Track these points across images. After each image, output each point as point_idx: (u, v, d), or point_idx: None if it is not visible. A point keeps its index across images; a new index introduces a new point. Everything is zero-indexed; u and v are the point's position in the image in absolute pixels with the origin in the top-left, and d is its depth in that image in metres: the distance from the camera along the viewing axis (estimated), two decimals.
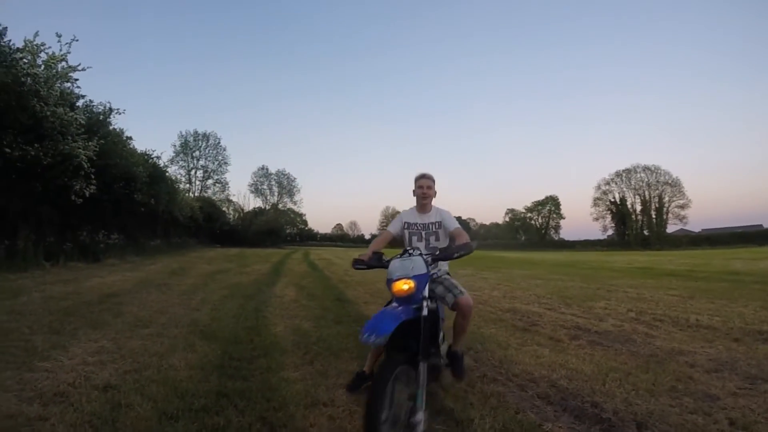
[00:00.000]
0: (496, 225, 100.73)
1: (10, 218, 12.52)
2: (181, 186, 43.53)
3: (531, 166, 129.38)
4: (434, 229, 3.68)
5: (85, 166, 13.56)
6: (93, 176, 14.22)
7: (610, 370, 3.90)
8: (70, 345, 4.54)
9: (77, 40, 13.96)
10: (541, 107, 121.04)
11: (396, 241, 3.79)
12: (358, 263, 3.21)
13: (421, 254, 2.90)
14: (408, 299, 2.67)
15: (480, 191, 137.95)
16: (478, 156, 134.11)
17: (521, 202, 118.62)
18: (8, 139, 11.48)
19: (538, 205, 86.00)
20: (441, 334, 3.18)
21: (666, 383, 3.57)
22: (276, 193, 71.96)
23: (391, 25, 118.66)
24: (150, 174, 21.14)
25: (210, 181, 60.98)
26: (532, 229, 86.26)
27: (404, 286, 2.65)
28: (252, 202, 68.96)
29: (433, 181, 3.76)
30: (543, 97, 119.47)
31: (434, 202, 3.80)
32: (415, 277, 2.68)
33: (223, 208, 57.69)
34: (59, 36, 13.76)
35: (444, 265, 3.60)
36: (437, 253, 3.03)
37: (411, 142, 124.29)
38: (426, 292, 2.70)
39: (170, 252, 24.68)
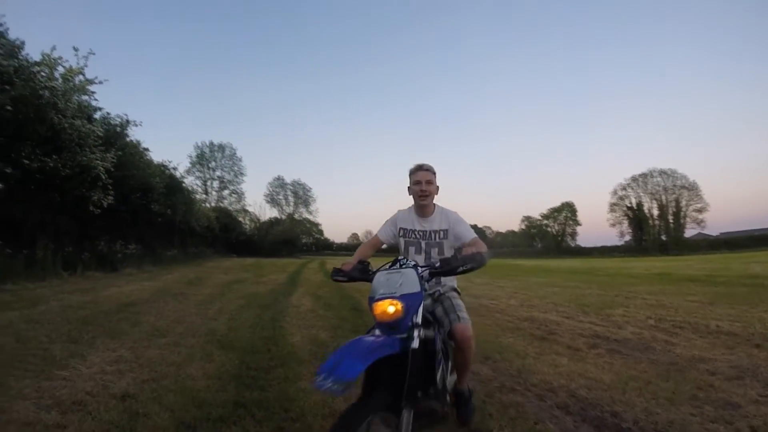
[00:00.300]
0: (512, 233, 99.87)
1: (29, 228, 12.75)
2: (198, 196, 44.06)
3: (546, 172, 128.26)
4: (438, 239, 2.93)
5: (103, 177, 13.80)
6: (110, 187, 14.48)
7: (629, 379, 3.85)
8: (88, 354, 4.58)
9: (94, 54, 14.28)
10: (556, 112, 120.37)
11: (391, 249, 3.14)
12: (337, 274, 2.62)
13: (415, 266, 2.29)
14: (394, 326, 2.06)
15: (495, 199, 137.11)
16: (493, 162, 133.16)
17: (537, 209, 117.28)
18: (27, 151, 11.72)
19: (554, 212, 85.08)
20: (443, 368, 2.51)
21: (687, 392, 3.51)
22: (292, 203, 72.59)
23: (402, 30, 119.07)
24: (167, 185, 21.51)
25: (226, 192, 61.75)
26: (549, 236, 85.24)
27: (389, 308, 2.05)
28: (268, 212, 69.47)
29: (434, 174, 2.94)
30: (557, 101, 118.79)
31: (436, 200, 3.02)
32: (403, 297, 2.07)
33: (239, 218, 58.30)
34: (76, 50, 14.10)
35: (451, 280, 2.99)
36: (437, 265, 2.39)
37: (425, 149, 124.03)
38: (418, 318, 2.11)
39: (187, 262, 24.90)
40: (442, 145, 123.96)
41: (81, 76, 14.31)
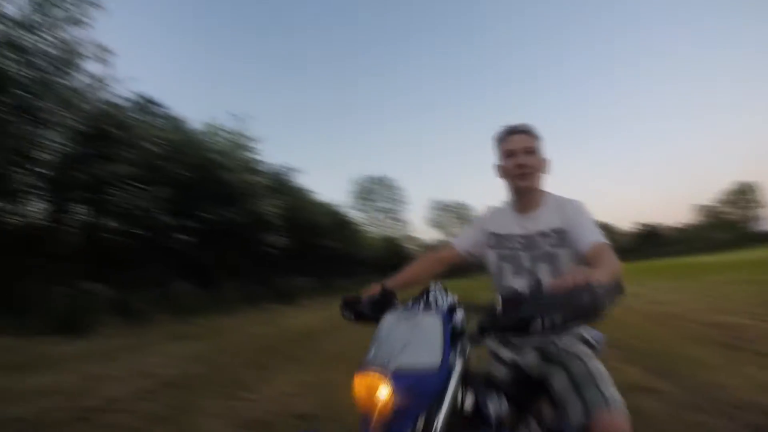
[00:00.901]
0: (685, 226, 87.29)
1: (214, 269, 14.79)
2: (362, 228, 46.47)
3: (716, 151, 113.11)
4: (549, 246, 1.65)
5: (274, 221, 15.31)
6: (283, 229, 15.99)
7: None
8: (272, 378, 4.87)
9: (252, 117, 16.30)
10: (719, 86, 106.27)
11: (473, 266, 2.00)
12: (347, 308, 1.63)
13: (449, 310, 1.20)
14: (387, 426, 0.98)
15: (660, 190, 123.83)
16: (656, 149, 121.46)
17: (710, 194, 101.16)
18: (205, 206, 13.63)
19: (733, 195, 72.31)
20: None
21: None
22: (454, 224, 72.75)
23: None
24: (333, 221, 23.33)
25: (389, 221, 63.96)
26: (730, 225, 71.90)
27: (381, 390, 0.99)
28: (431, 235, 70.80)
29: (538, 139, 1.72)
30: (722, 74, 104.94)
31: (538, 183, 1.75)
32: (400, 377, 0.99)
33: (404, 244, 60.13)
34: (235, 115, 16.30)
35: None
36: (496, 311, 1.06)
37: (588, 149, 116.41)
38: (437, 425, 0.99)
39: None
40: (596, 137, 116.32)
41: (243, 137, 16.30)
